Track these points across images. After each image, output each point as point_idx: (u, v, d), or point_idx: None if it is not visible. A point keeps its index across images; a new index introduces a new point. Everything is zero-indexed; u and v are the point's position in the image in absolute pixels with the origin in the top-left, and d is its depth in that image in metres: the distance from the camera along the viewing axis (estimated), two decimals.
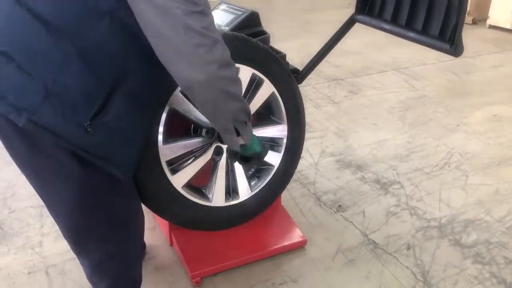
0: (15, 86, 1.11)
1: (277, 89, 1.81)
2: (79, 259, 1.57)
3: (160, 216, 1.89)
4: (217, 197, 1.83)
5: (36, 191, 1.39)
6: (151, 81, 1.29)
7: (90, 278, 1.59)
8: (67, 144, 1.17)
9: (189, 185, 1.77)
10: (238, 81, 1.32)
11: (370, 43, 4.94)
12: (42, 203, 1.51)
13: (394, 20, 1.80)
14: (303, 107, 1.95)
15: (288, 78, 1.86)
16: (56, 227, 2.22)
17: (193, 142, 1.71)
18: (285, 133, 1.89)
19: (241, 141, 1.43)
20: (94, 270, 1.55)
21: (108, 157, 1.24)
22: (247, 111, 1.39)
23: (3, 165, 2.75)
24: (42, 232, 2.27)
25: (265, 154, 1.58)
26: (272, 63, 1.79)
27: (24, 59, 1.12)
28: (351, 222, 2.39)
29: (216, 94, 1.25)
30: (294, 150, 1.95)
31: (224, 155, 1.79)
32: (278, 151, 1.91)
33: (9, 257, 2.12)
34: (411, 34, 1.72)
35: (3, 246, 2.18)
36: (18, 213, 2.40)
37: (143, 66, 1.23)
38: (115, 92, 1.18)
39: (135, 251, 1.64)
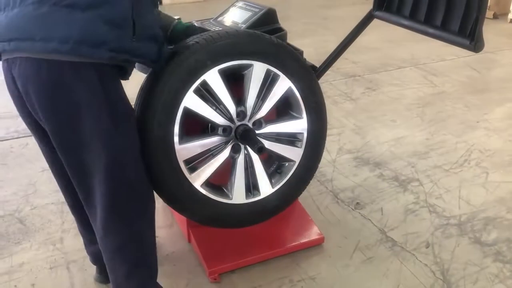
0: (87, 30, 1.32)
1: (294, 84, 1.80)
2: (101, 246, 1.61)
3: (181, 214, 1.90)
4: (237, 194, 1.83)
5: (76, 165, 1.48)
6: None
7: (109, 264, 1.63)
8: (125, 55, 1.39)
9: (209, 183, 1.78)
10: None
11: (388, 39, 4.90)
12: (63, 200, 1.54)
13: (412, 16, 1.78)
14: (323, 101, 1.93)
15: (306, 73, 1.84)
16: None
17: (210, 141, 1.72)
18: (305, 128, 1.88)
19: None
20: (114, 254, 1.60)
21: (145, 54, 1.46)
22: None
23: (25, 163, 2.81)
24: (63, 229, 2.31)
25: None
26: (287, 58, 1.77)
27: (82, 4, 1.32)
28: (369, 219, 2.38)
29: None
30: (315, 145, 1.93)
31: (243, 153, 1.79)
32: (298, 146, 1.90)
33: (31, 252, 2.16)
34: (430, 30, 1.70)
35: (25, 241, 2.23)
36: (39, 210, 2.44)
37: None
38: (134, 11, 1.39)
39: (151, 239, 1.68)
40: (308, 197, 2.51)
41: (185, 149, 1.66)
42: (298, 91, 1.82)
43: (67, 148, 1.46)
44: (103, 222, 1.55)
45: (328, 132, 2.84)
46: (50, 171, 1.67)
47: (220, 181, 1.83)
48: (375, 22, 1.95)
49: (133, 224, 1.58)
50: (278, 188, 1.90)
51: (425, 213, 2.42)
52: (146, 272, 1.69)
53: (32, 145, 2.91)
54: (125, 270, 1.62)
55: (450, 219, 2.37)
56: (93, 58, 1.35)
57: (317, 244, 2.17)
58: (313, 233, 2.18)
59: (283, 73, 1.76)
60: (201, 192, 1.74)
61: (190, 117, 1.65)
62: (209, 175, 1.74)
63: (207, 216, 1.83)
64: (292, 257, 2.11)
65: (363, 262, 2.11)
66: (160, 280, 1.75)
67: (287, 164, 1.92)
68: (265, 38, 1.74)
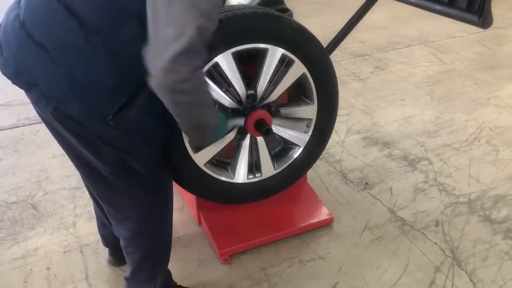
0: (48, 76, 1.20)
1: (309, 70, 1.74)
2: (117, 229, 1.61)
3: (185, 189, 1.90)
4: (239, 175, 1.83)
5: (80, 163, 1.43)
6: None
7: (126, 248, 1.64)
8: (88, 134, 1.25)
9: (212, 162, 1.78)
10: (193, 105, 1.21)
11: (396, 17, 4.83)
12: (75, 185, 1.56)
13: None
14: (337, 90, 1.88)
15: (323, 60, 1.78)
16: (89, 208, 2.29)
17: None
18: (315, 115, 1.84)
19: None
20: (131, 240, 1.59)
21: (127, 150, 1.31)
22: (208, 124, 1.33)
23: (36, 149, 2.84)
24: (75, 213, 2.34)
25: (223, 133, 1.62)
26: (305, 43, 1.71)
27: (57, 52, 1.19)
28: (378, 199, 2.38)
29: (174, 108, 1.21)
30: (322, 132, 1.91)
31: (249, 135, 1.78)
32: (306, 131, 1.89)
33: (45, 237, 2.20)
34: (438, 7, 1.67)
35: (39, 226, 2.27)
36: (52, 195, 2.48)
37: None
38: (140, 90, 1.22)
39: (170, 223, 1.68)
40: (317, 178, 2.51)
41: None
42: (312, 78, 1.77)
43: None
44: (112, 211, 1.55)
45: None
46: (60, 157, 1.69)
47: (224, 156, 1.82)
48: (382, 0, 1.92)
49: (148, 211, 1.55)
50: (280, 171, 1.89)
51: (434, 192, 2.42)
52: (158, 259, 1.69)
53: (42, 131, 2.94)
54: (139, 256, 1.63)
55: (460, 198, 2.37)
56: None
57: (326, 225, 2.19)
58: (323, 214, 2.20)
59: (298, 58, 1.70)
60: (203, 171, 1.73)
61: None
62: (212, 155, 1.74)
63: (209, 193, 1.84)
64: (302, 237, 2.13)
65: (373, 241, 2.12)
66: (171, 262, 1.77)
67: (291, 147, 1.91)
68: (285, 21, 1.66)
